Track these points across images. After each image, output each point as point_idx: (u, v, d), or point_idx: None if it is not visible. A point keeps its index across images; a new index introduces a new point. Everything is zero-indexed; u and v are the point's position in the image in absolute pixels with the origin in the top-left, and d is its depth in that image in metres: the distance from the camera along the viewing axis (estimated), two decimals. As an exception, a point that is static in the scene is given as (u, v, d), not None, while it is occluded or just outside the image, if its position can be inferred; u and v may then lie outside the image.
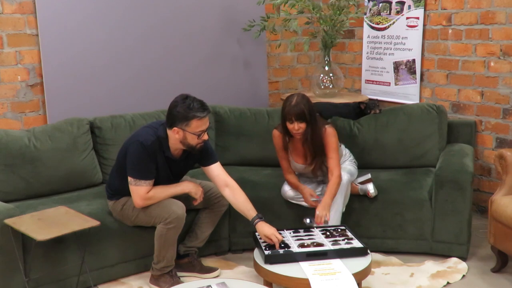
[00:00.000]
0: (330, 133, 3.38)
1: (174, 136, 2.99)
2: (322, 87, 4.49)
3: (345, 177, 3.36)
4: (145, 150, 2.99)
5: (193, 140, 2.99)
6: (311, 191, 3.46)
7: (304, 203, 3.51)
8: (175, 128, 2.96)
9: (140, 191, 3.02)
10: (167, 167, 3.11)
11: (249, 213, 3.05)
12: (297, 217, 3.54)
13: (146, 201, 3.04)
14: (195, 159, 3.18)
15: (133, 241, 3.27)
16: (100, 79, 4.03)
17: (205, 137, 3.01)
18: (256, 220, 3.01)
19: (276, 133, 3.49)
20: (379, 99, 4.64)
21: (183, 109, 2.93)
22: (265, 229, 2.97)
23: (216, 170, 3.17)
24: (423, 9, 4.36)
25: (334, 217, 3.34)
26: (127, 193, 3.13)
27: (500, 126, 4.04)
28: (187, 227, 3.30)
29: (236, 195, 3.10)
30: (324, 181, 3.54)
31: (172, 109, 2.97)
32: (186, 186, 3.15)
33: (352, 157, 3.69)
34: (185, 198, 3.15)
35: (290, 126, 3.30)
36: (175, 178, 3.20)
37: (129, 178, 3.03)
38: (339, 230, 3.19)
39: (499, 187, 3.34)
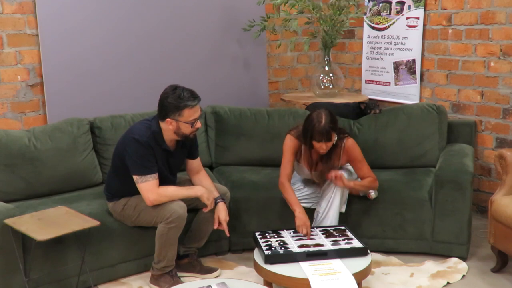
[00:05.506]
0: (351, 145, 3.33)
1: (168, 128, 3.04)
2: (322, 87, 4.49)
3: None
4: (142, 145, 3.01)
5: (186, 129, 3.04)
6: (304, 220, 3.20)
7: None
8: (168, 119, 3.01)
9: (149, 185, 3.02)
10: (165, 160, 3.15)
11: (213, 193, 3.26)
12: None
13: (158, 196, 3.03)
14: (186, 150, 3.25)
15: (133, 241, 3.27)
16: (100, 79, 4.02)
17: (198, 125, 3.07)
18: (219, 200, 3.19)
19: (291, 138, 3.38)
20: (379, 99, 4.65)
21: (174, 99, 2.98)
22: (223, 213, 3.16)
23: (197, 161, 3.36)
24: (423, 9, 4.36)
25: (332, 218, 3.33)
26: (127, 194, 3.14)
27: (500, 126, 4.04)
28: (186, 227, 3.29)
29: (202, 178, 3.32)
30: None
31: (163, 100, 3.02)
32: (199, 190, 3.15)
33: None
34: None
35: (317, 145, 3.22)
36: (171, 170, 3.21)
37: (135, 177, 3.04)
38: (339, 230, 3.19)
39: (499, 187, 3.34)
